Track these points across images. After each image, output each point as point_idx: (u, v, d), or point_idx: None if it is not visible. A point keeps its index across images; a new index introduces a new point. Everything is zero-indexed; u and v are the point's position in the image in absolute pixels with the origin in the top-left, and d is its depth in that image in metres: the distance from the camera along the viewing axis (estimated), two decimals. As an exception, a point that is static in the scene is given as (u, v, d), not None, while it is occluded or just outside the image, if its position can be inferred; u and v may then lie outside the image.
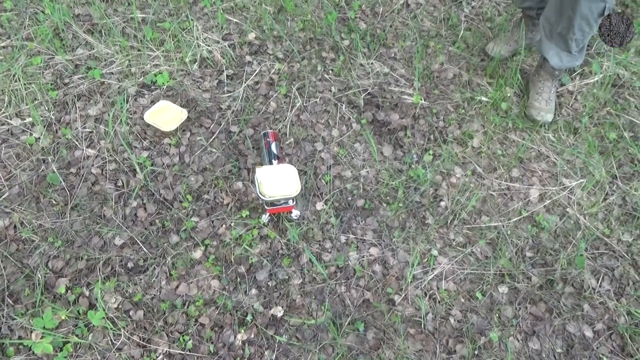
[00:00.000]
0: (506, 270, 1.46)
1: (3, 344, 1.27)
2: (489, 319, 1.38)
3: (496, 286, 1.44)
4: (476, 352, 1.32)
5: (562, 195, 1.63)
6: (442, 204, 1.61)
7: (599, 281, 1.46)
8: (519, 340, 1.34)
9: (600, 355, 1.33)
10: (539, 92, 1.80)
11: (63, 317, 1.29)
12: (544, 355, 1.32)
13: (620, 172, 1.70)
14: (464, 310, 1.39)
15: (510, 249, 1.51)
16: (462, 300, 1.41)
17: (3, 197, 1.52)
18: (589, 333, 1.36)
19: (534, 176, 1.68)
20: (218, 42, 1.99)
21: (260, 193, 1.43)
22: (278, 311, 1.35)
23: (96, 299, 1.35)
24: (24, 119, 1.71)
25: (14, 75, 1.80)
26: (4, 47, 1.91)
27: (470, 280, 1.45)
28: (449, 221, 1.56)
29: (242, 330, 1.32)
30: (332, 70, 1.95)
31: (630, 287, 1.45)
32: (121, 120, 1.70)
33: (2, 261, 1.41)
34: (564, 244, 1.52)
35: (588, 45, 1.85)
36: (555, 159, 1.72)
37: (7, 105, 1.74)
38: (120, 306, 1.35)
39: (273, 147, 1.61)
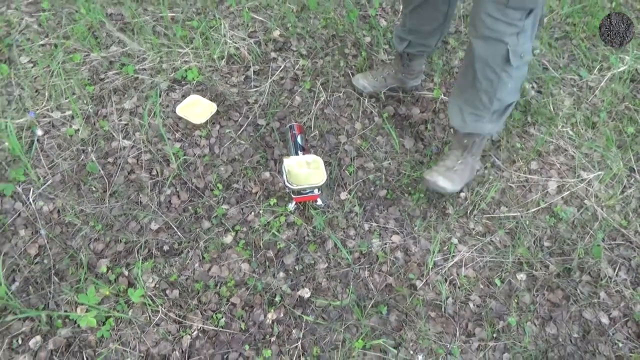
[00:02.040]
0: (524, 258, 1.52)
1: (51, 317, 1.36)
2: (508, 304, 1.43)
3: (514, 274, 1.49)
4: (495, 335, 1.37)
5: (580, 187, 1.67)
6: (462, 194, 1.66)
7: (616, 270, 1.50)
8: (536, 325, 1.39)
9: (616, 341, 1.37)
10: (444, 159, 1.59)
11: (106, 293, 1.38)
12: (560, 340, 1.37)
13: (638, 166, 1.74)
14: (483, 296, 1.45)
15: (528, 238, 1.56)
16: (481, 286, 1.47)
17: (47, 184, 1.62)
18: (605, 320, 1.40)
19: (552, 169, 1.72)
20: (244, 39, 2.07)
21: (287, 182, 1.51)
22: (305, 292, 1.43)
23: (135, 279, 1.44)
24: (64, 112, 1.81)
25: (53, 72, 1.90)
26: (42, 45, 2.02)
27: (490, 268, 1.50)
28: (468, 211, 1.62)
29: (272, 310, 1.40)
30: (354, 65, 2.01)
31: (646, 276, 1.49)
32: (155, 113, 1.79)
33: (48, 242, 1.50)
34: (581, 235, 1.57)
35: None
36: (574, 152, 1.76)
37: (47, 100, 1.84)
38: (157, 285, 1.44)
39: (299, 139, 1.68)
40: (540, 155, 1.76)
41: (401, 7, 2.10)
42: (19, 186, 1.61)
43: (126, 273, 1.46)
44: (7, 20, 2.07)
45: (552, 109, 1.88)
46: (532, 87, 1.95)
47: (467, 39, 1.35)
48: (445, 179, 1.52)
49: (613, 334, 1.38)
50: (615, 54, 2.05)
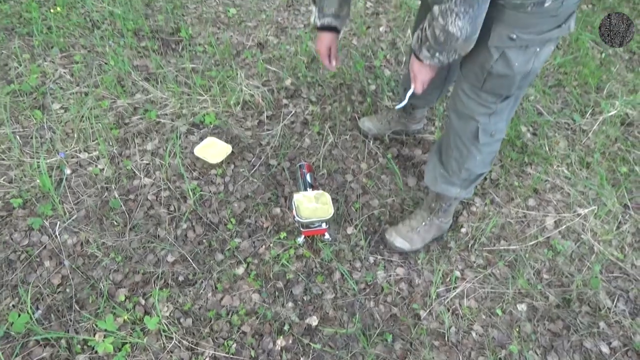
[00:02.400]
0: (524, 290, 1.57)
1: (70, 343, 1.43)
2: (509, 334, 1.48)
3: (515, 304, 1.54)
4: (497, 364, 1.41)
5: (577, 222, 1.74)
6: (463, 230, 1.74)
7: (614, 302, 1.54)
8: (538, 354, 1.43)
9: (617, 370, 1.40)
10: (410, 217, 1.69)
11: (125, 318, 1.46)
12: (562, 368, 1.40)
13: (632, 203, 1.82)
14: (485, 326, 1.50)
15: (528, 270, 1.62)
16: (483, 316, 1.52)
17: (72, 218, 1.74)
18: (605, 349, 1.44)
19: (549, 205, 1.81)
20: (258, 87, 2.24)
21: (297, 215, 1.61)
22: (313, 321, 1.49)
23: (151, 307, 1.52)
24: (91, 153, 1.96)
25: (82, 116, 2.07)
26: (73, 93, 2.20)
27: (491, 299, 1.56)
28: (469, 245, 1.69)
29: (280, 338, 1.45)
30: (360, 110, 2.16)
31: (644, 308, 1.53)
32: (175, 154, 1.92)
33: (70, 273, 1.60)
34: (579, 267, 1.63)
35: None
36: (569, 190, 1.85)
37: (76, 142, 1.99)
38: (171, 314, 1.51)
39: (308, 177, 1.79)
40: (537, 193, 1.85)
41: (404, 59, 2.27)
42: (46, 220, 1.73)
43: (143, 302, 1.54)
44: (42, 70, 2.27)
45: (547, 150, 1.99)
46: (528, 130, 2.07)
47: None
48: (404, 240, 1.64)
49: (614, 363, 1.41)
50: (606, 100, 2.17)
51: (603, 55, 2.46)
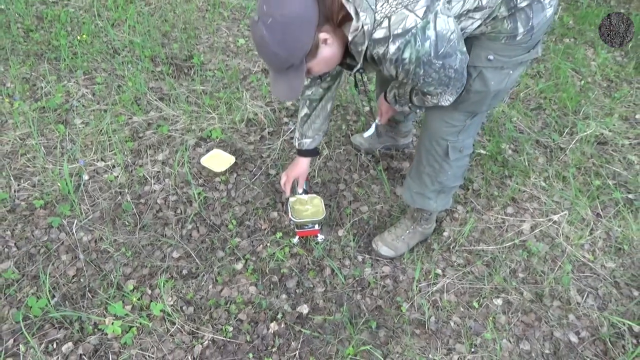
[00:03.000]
0: (500, 286, 1.70)
1: (83, 327, 1.57)
2: (485, 324, 1.60)
3: (492, 299, 1.67)
4: (472, 350, 1.52)
5: (551, 227, 1.88)
6: (445, 233, 1.88)
7: (584, 298, 1.66)
8: (511, 342, 1.55)
9: (585, 358, 1.51)
10: (396, 226, 1.82)
11: (134, 301, 1.60)
12: (533, 355, 1.51)
13: (604, 213, 1.96)
14: (463, 317, 1.62)
15: (504, 269, 1.75)
16: (462, 309, 1.64)
17: (88, 218, 1.91)
18: (574, 339, 1.55)
19: (526, 213, 1.95)
20: (262, 107, 2.44)
21: (292, 216, 1.76)
22: (304, 309, 1.62)
23: (157, 297, 1.66)
24: (107, 162, 2.15)
25: (101, 130, 2.28)
26: (94, 110, 2.42)
27: (469, 294, 1.69)
28: (451, 247, 1.83)
29: (274, 323, 1.58)
30: (354, 128, 2.34)
31: (612, 304, 1.65)
32: (183, 163, 2.11)
33: (85, 266, 1.75)
34: (551, 267, 1.76)
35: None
36: (546, 200, 2.00)
37: (94, 152, 2.19)
38: (175, 303, 1.65)
39: (304, 185, 1.96)
40: (515, 202, 1.99)
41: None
42: (65, 219, 1.90)
43: (149, 292, 1.69)
44: (67, 90, 2.50)
45: (527, 164, 2.15)
46: (509, 147, 2.24)
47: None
48: (389, 248, 1.78)
49: (582, 351, 1.52)
50: (582, 121, 2.35)
51: (582, 82, 2.65)
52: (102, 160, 2.16)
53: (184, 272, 1.75)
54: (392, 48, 1.16)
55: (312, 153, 1.80)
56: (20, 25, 2.97)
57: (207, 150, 2.20)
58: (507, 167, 2.14)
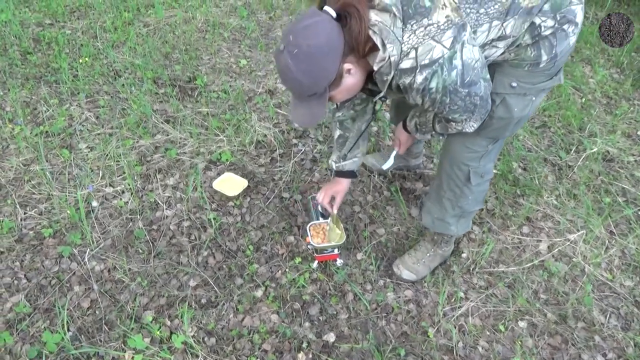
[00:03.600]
0: (524, 308, 1.69)
1: (102, 361, 1.52)
2: (512, 348, 1.59)
3: (516, 321, 1.66)
4: (503, 375, 1.51)
5: (568, 246, 1.89)
6: (464, 255, 1.88)
7: (607, 318, 1.67)
8: (540, 366, 1.54)
9: (614, 380, 1.51)
10: (416, 249, 1.81)
11: (155, 333, 1.55)
12: (563, 379, 1.51)
13: (617, 230, 1.98)
14: (490, 341, 1.61)
15: (526, 290, 1.75)
16: (488, 332, 1.63)
17: (100, 246, 1.86)
18: (601, 360, 1.55)
19: (542, 232, 1.96)
20: (269, 128, 2.43)
21: (312, 242, 1.74)
22: (330, 337, 1.59)
23: (176, 328, 1.61)
24: (115, 187, 2.10)
25: (107, 155, 2.23)
26: (99, 134, 2.38)
27: (494, 317, 1.68)
28: (471, 269, 1.83)
29: (300, 354, 1.55)
30: (364, 149, 2.34)
31: (635, 323, 1.65)
32: (195, 187, 2.08)
33: (99, 297, 1.70)
34: (572, 287, 1.76)
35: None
36: (560, 218, 2.01)
37: (101, 177, 2.14)
38: (196, 334, 1.61)
39: (319, 208, 1.94)
40: (530, 221, 2.00)
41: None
42: (75, 249, 1.84)
43: (168, 323, 1.64)
44: (70, 114, 2.45)
45: (537, 182, 2.17)
46: (519, 166, 2.26)
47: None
48: (410, 272, 1.77)
49: (610, 374, 1.52)
50: (588, 139, 2.39)
51: (583, 100, 2.70)
52: (110, 185, 2.11)
53: (203, 301, 1.71)
54: (419, 78, 1.18)
55: (351, 175, 1.79)
56: (17, 47, 2.92)
57: (218, 174, 2.17)
58: (518, 186, 2.15)
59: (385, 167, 1.80)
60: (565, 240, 1.92)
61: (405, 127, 1.67)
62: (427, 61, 1.15)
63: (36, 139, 2.28)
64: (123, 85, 2.66)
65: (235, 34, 3.24)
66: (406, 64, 1.16)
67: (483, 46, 1.26)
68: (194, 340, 1.58)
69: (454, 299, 1.72)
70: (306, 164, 2.25)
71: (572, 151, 2.34)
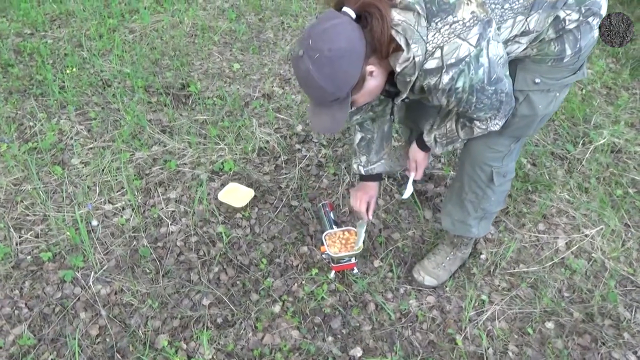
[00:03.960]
0: (550, 308, 1.66)
1: (118, 392, 1.43)
2: (542, 351, 1.55)
3: (543, 323, 1.62)
4: (537, 380, 1.47)
5: (586, 242, 1.87)
6: (482, 256, 1.84)
7: (633, 313, 1.64)
8: (572, 368, 1.50)
9: (648, 378, 1.48)
10: (435, 253, 1.76)
11: (173, 359, 1.47)
12: (597, 380, 1.48)
13: (632, 222, 1.96)
14: (519, 345, 1.56)
15: (549, 290, 1.71)
16: (516, 336, 1.59)
17: (103, 269, 1.76)
18: (633, 358, 1.52)
19: (558, 228, 1.93)
20: (270, 134, 2.35)
21: (329, 252, 1.67)
22: (356, 352, 1.53)
23: (193, 351, 1.53)
24: (115, 204, 2.00)
25: (103, 170, 2.13)
26: (92, 148, 2.27)
27: (520, 319, 1.64)
28: (491, 270, 1.78)
29: (327, 371, 1.49)
30: (370, 152, 2.28)
31: (661, 317, 1.63)
32: (200, 200, 1.99)
33: (108, 322, 1.60)
34: (595, 284, 1.73)
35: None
36: (574, 213, 1.99)
37: (99, 194, 2.04)
38: (214, 356, 1.53)
39: (331, 215, 1.88)
40: (546, 217, 1.97)
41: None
42: (78, 272, 1.74)
43: (184, 347, 1.55)
44: (59, 128, 2.33)
45: (547, 177, 2.14)
46: (528, 162, 2.23)
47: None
48: (431, 277, 1.71)
49: (644, 371, 1.49)
50: (594, 130, 2.37)
51: (583, 91, 2.69)
52: (109, 202, 2.01)
53: (219, 320, 1.63)
54: (446, 78, 1.13)
55: (376, 178, 1.72)
56: (-3, 59, 2.78)
57: (222, 185, 2.09)
58: (529, 182, 2.12)
59: (405, 196, 1.68)
60: (583, 236, 1.89)
61: (419, 144, 1.58)
62: (453, 60, 1.10)
63: (25, 157, 2.17)
64: (113, 95, 2.55)
65: (225, 37, 3.15)
66: (431, 64, 1.12)
67: (506, 42, 1.22)
68: (213, 364, 1.50)
69: (477, 303, 1.67)
70: (312, 169, 2.18)
71: (579, 144, 2.32)
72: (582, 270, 1.77)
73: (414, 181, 1.67)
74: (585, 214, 1.99)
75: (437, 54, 1.11)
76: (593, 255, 1.83)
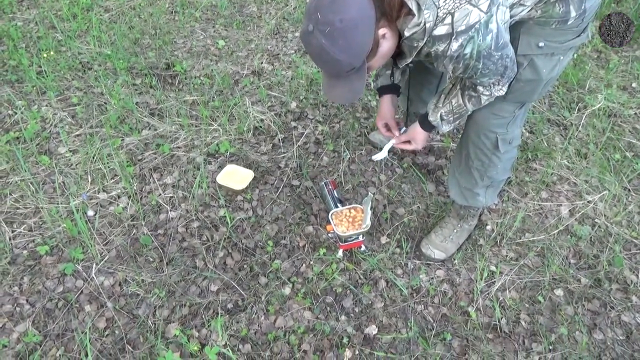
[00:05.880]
0: (558, 275, 1.67)
1: (133, 385, 1.39)
2: (554, 318, 1.56)
3: (552, 290, 1.64)
4: (551, 348, 1.49)
5: (589, 208, 1.88)
6: (488, 227, 1.83)
7: (639, 276, 1.67)
8: (584, 333, 1.52)
9: (656, 338, 1.51)
10: (441, 226, 1.75)
11: (189, 348, 1.43)
12: (608, 344, 1.50)
13: (631, 185, 1.98)
14: (531, 314, 1.58)
15: (556, 257, 1.72)
16: (527, 305, 1.60)
17: (104, 260, 1.70)
18: (642, 320, 1.55)
19: (560, 195, 1.94)
20: (264, 112, 2.28)
21: (336, 230, 1.64)
22: (371, 330, 1.52)
23: (205, 338, 1.50)
24: (110, 192, 1.92)
25: (93, 157, 2.04)
26: (79, 135, 2.17)
27: (530, 288, 1.65)
28: (498, 240, 1.79)
29: (344, 349, 1.47)
30: (367, 126, 2.24)
31: (666, 278, 1.67)
32: (199, 184, 1.93)
33: (115, 314, 1.56)
34: (600, 249, 1.75)
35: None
36: (575, 180, 2.00)
37: (91, 183, 1.96)
38: (228, 342, 1.50)
39: (335, 193, 1.84)
40: (548, 186, 1.98)
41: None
42: (78, 264, 1.68)
43: (196, 334, 1.52)
44: (41, 115, 2.22)
45: (546, 144, 2.14)
46: (526, 129, 2.22)
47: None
48: (440, 251, 1.70)
49: (652, 332, 1.53)
50: (589, 95, 2.37)
51: (575, 55, 2.68)
52: (104, 191, 1.93)
53: (229, 306, 1.60)
54: (455, 45, 1.12)
55: (389, 90, 1.71)
56: (-34, 45, 2.61)
57: (220, 167, 2.03)
58: (529, 150, 2.11)
59: (376, 158, 1.70)
60: (585, 203, 1.90)
61: (423, 125, 1.53)
62: (463, 27, 1.09)
63: (9, 147, 2.06)
64: (95, 78, 2.43)
65: (207, 12, 3.02)
66: (441, 30, 1.10)
67: (512, 6, 1.19)
68: (227, 350, 1.47)
69: (487, 274, 1.68)
70: (310, 147, 2.13)
71: (575, 109, 2.32)
72: (587, 236, 1.79)
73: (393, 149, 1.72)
74: (585, 179, 2.00)
75: (448, 20, 1.09)
76: (597, 220, 1.84)
